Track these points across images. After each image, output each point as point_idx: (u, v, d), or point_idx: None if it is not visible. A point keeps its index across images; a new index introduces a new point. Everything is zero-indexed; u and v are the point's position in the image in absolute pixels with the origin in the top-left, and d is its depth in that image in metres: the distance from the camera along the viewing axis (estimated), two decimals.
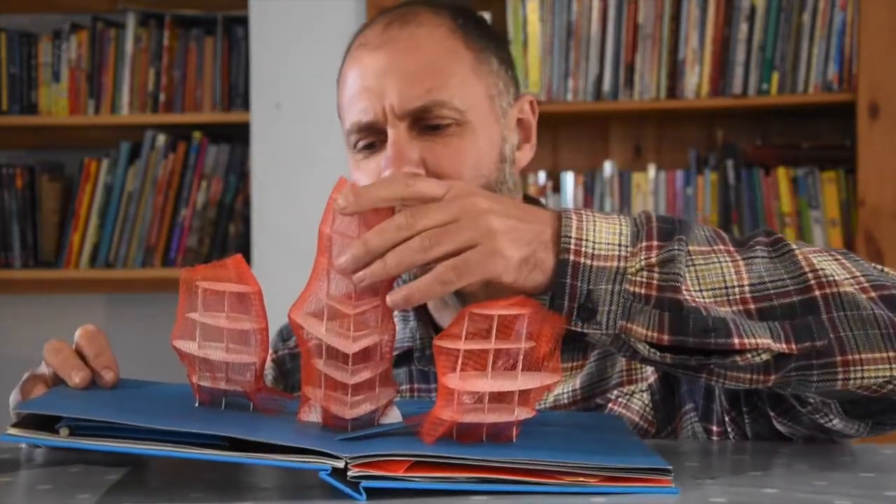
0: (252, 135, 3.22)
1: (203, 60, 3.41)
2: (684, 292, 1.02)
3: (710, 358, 1.03)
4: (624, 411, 1.31)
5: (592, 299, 1.03)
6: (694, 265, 1.05)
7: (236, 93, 3.39)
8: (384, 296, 1.01)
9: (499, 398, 0.98)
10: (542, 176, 3.22)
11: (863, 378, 1.05)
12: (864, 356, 1.05)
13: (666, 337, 1.02)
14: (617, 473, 0.95)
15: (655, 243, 1.04)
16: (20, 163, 3.52)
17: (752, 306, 1.04)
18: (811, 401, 1.13)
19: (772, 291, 1.05)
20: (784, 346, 1.03)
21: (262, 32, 3.21)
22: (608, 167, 3.19)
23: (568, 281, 1.02)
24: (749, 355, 1.02)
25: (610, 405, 1.32)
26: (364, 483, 0.90)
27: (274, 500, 0.94)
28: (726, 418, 1.27)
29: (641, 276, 1.03)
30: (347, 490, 0.90)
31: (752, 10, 3.08)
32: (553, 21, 3.15)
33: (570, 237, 1.03)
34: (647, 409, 1.31)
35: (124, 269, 3.41)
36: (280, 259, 3.13)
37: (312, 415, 1.03)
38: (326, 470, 0.91)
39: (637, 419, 1.31)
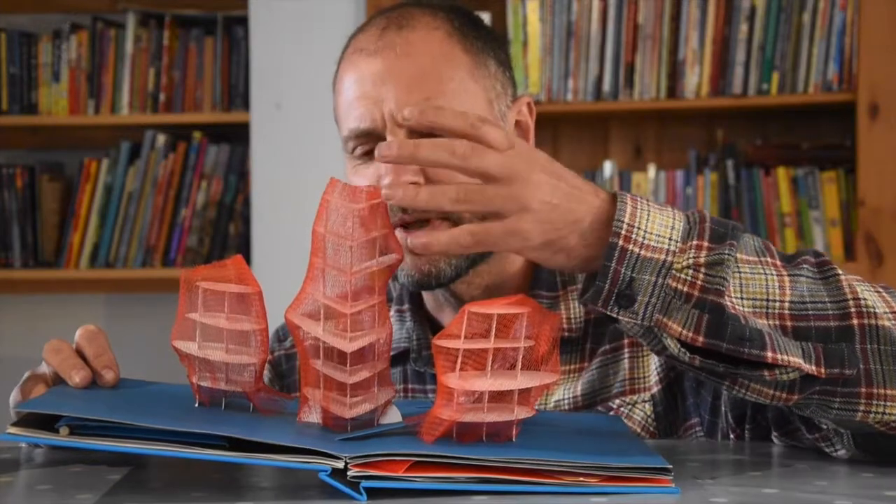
0: (252, 135, 3.22)
1: (203, 60, 3.42)
2: (727, 297, 1.03)
3: (739, 367, 1.03)
4: (625, 421, 1.31)
5: (633, 287, 1.03)
6: (739, 273, 1.05)
7: (236, 93, 3.39)
8: (380, 295, 1.01)
9: (498, 397, 0.98)
10: None
11: (884, 413, 1.05)
12: (888, 392, 1.04)
13: (701, 338, 1.02)
14: (617, 473, 0.95)
15: (706, 244, 1.04)
16: (20, 163, 3.52)
17: (789, 323, 1.04)
18: (823, 427, 1.12)
19: (811, 312, 1.05)
20: (813, 368, 1.03)
21: (262, 32, 3.21)
22: (608, 167, 3.19)
23: (612, 265, 1.03)
24: (777, 371, 1.03)
25: (611, 414, 1.32)
26: (364, 483, 0.90)
27: (274, 500, 0.94)
28: (731, 435, 1.27)
29: (686, 274, 1.03)
30: (348, 490, 0.90)
31: (752, 10, 3.08)
32: (553, 21, 3.15)
33: (623, 222, 1.03)
34: (649, 419, 1.31)
35: (124, 269, 3.41)
36: (280, 259, 3.13)
37: (312, 415, 1.03)
38: (326, 471, 0.91)
39: (638, 430, 1.30)
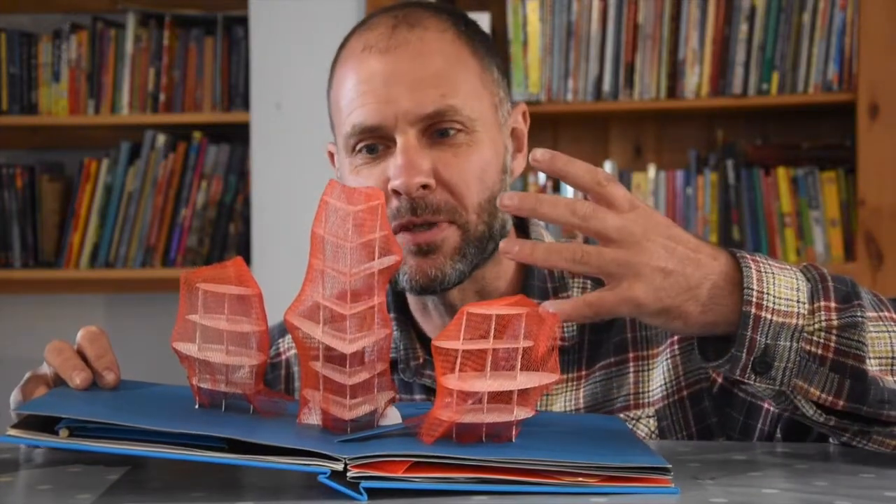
0: (252, 135, 3.22)
1: (203, 60, 3.41)
2: (867, 362, 1.04)
3: (873, 426, 1.06)
4: None
5: (769, 354, 1.04)
6: (867, 332, 1.06)
7: (236, 93, 3.39)
8: (380, 296, 1.00)
9: (498, 398, 0.98)
10: (542, 176, 3.23)
11: None
12: None
13: (841, 402, 1.05)
14: (617, 473, 0.95)
15: (833, 305, 1.05)
16: (20, 163, 3.52)
17: None
18: None
19: None
20: None
21: (262, 32, 3.21)
22: (608, 167, 3.19)
23: (749, 334, 1.03)
24: None
25: None
26: (364, 483, 0.90)
27: (274, 500, 0.94)
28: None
29: (819, 337, 1.04)
30: (348, 491, 0.90)
31: (752, 10, 3.08)
32: (553, 21, 3.15)
33: (753, 289, 1.03)
34: (653, 435, 1.30)
35: (124, 269, 3.41)
36: (280, 259, 3.13)
37: (312, 417, 1.03)
38: (325, 473, 0.91)
39: None
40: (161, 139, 3.42)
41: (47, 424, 0.99)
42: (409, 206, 1.26)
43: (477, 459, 0.93)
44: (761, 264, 1.05)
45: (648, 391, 1.31)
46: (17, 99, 3.46)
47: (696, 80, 3.09)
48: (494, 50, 1.37)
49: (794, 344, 1.04)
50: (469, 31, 1.34)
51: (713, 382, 1.29)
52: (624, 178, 3.18)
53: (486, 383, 0.96)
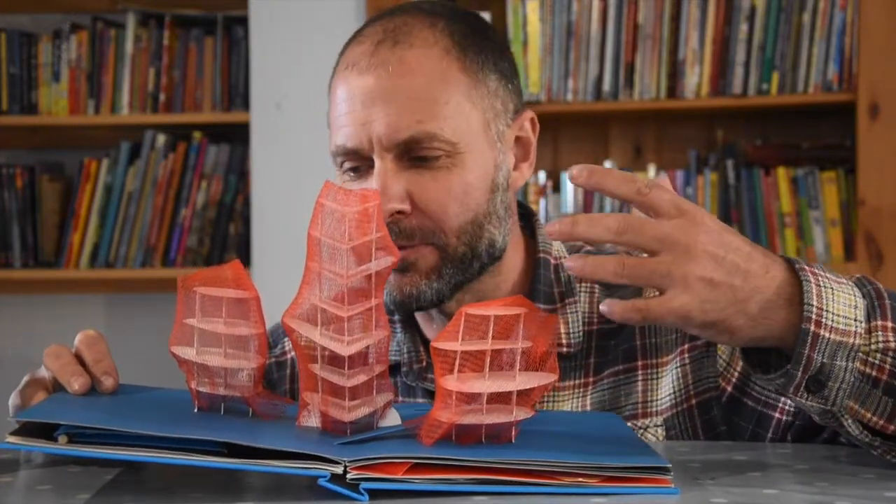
0: (252, 135, 3.22)
1: (203, 60, 3.41)
2: None
3: None
4: None
5: (824, 373, 1.01)
6: None
7: (236, 93, 3.39)
8: (377, 298, 1.00)
9: (497, 399, 0.98)
10: (542, 176, 3.22)
11: None
12: None
13: (893, 427, 1.03)
14: (617, 473, 0.95)
15: (890, 325, 1.03)
16: (20, 163, 3.52)
17: None
18: None
19: None
20: None
21: (262, 32, 3.21)
22: (608, 167, 3.18)
23: (806, 352, 1.00)
24: None
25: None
26: (363, 485, 0.90)
27: (274, 501, 0.94)
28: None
29: (875, 358, 1.02)
30: (348, 492, 0.90)
31: (752, 10, 3.08)
32: (553, 21, 3.15)
33: (812, 305, 1.00)
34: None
35: (124, 269, 3.40)
36: (280, 259, 3.13)
37: (311, 419, 1.03)
38: (325, 476, 0.91)
39: None
40: (161, 139, 3.42)
41: (46, 429, 0.99)
42: None
43: (477, 460, 0.93)
44: (820, 278, 1.02)
45: (657, 400, 1.30)
46: (17, 99, 3.46)
47: (696, 80, 3.09)
48: (498, 54, 1.32)
49: (850, 364, 1.01)
50: (465, 39, 1.29)
51: (722, 391, 1.28)
52: None
53: (485, 384, 0.96)
